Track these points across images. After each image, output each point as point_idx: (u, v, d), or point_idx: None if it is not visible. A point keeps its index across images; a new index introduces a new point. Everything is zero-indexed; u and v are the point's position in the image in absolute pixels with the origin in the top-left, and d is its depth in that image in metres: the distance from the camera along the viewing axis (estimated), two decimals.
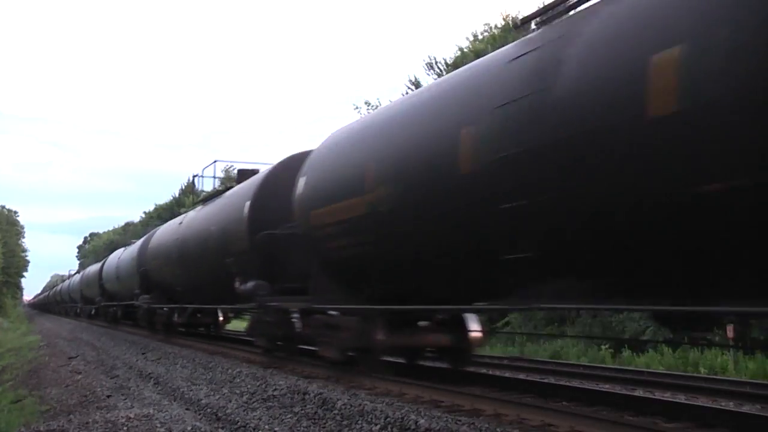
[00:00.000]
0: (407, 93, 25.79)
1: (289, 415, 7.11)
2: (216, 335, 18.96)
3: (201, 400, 8.39)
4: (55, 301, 64.38)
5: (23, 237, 76.18)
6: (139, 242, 23.89)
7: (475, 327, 9.08)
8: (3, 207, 70.21)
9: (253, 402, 8.01)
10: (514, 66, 5.92)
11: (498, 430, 5.55)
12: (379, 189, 7.56)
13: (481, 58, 7.18)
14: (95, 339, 22.08)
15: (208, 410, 7.79)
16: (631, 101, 4.55)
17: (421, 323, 9.34)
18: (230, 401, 8.17)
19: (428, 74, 28.83)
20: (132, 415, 7.33)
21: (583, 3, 5.84)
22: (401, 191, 7.19)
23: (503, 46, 7.00)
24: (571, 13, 5.90)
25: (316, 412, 6.99)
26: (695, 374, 10.41)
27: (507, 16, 26.28)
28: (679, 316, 5.46)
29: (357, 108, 30.85)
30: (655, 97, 4.36)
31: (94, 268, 36.24)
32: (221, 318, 18.98)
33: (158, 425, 6.90)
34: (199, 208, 17.22)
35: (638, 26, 4.79)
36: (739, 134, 3.95)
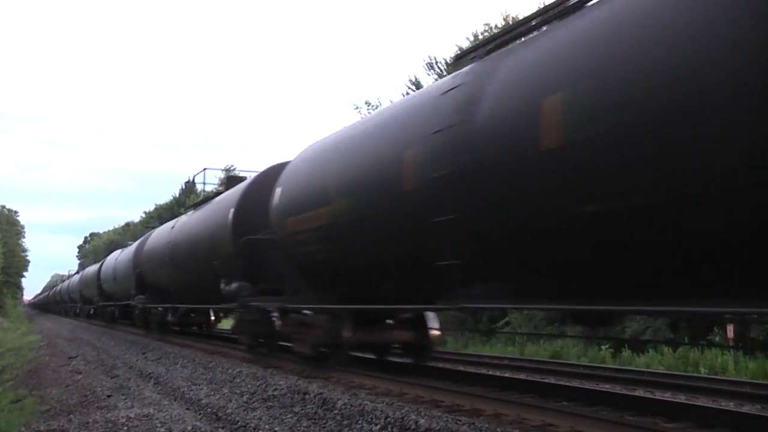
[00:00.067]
0: (407, 93, 25.73)
1: (289, 415, 7.15)
2: (209, 334, 19.86)
3: (201, 400, 8.43)
4: (55, 301, 64.88)
5: (23, 237, 76.45)
6: (135, 244, 24.72)
7: (434, 325, 9.96)
8: (3, 207, 70.55)
9: (254, 402, 8.06)
10: (446, 98, 6.84)
11: (498, 430, 5.61)
12: (339, 201, 8.47)
13: (424, 88, 8.11)
14: (95, 339, 22.11)
15: (209, 410, 7.80)
16: (529, 135, 5.44)
17: (388, 321, 10.19)
18: (230, 401, 8.20)
19: (428, 74, 28.16)
20: (132, 415, 7.34)
21: (511, 42, 6.75)
22: (356, 204, 8.10)
23: None
24: (497, 52, 6.78)
25: (316, 412, 7.05)
26: (695, 374, 10.43)
27: (507, 16, 25.70)
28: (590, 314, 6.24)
29: (357, 108, 30.62)
30: (546, 133, 5.26)
31: (93, 269, 37.08)
32: (213, 317, 20.02)
33: (158, 425, 6.90)
34: (190, 212, 18.12)
35: (538, 70, 5.69)
36: (602, 167, 4.86)
